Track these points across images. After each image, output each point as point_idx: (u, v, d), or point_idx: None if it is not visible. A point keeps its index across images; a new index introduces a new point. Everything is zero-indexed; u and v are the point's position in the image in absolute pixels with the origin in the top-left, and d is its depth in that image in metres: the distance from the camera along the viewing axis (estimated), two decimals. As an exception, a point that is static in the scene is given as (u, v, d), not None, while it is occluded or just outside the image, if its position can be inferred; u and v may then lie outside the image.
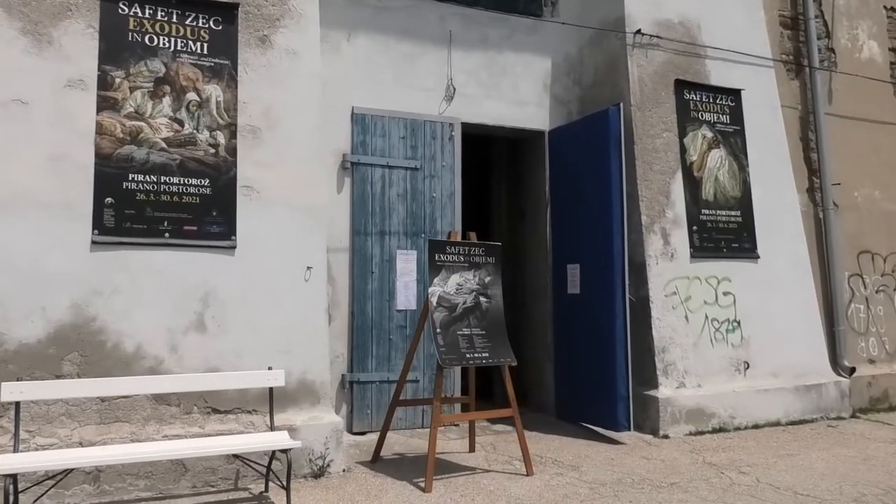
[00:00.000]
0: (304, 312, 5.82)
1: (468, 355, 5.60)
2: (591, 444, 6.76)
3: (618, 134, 7.02)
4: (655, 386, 7.22)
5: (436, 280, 5.66)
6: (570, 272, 7.56)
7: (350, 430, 6.84)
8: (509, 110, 7.92)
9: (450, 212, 7.45)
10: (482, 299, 5.86)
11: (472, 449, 6.39)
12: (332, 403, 5.85)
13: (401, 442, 6.67)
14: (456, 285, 5.74)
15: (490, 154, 9.28)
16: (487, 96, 7.81)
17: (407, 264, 7.01)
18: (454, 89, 7.59)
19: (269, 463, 5.08)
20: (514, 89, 7.97)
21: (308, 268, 5.86)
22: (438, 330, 5.55)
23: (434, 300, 5.60)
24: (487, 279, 5.93)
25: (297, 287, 5.83)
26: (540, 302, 8.18)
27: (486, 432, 7.15)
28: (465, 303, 5.75)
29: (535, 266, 8.36)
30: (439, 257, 5.70)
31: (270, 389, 5.17)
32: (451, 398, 6.86)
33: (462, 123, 7.61)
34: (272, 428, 5.12)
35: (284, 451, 4.74)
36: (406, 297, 7.05)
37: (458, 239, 5.92)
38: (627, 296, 6.95)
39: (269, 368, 5.23)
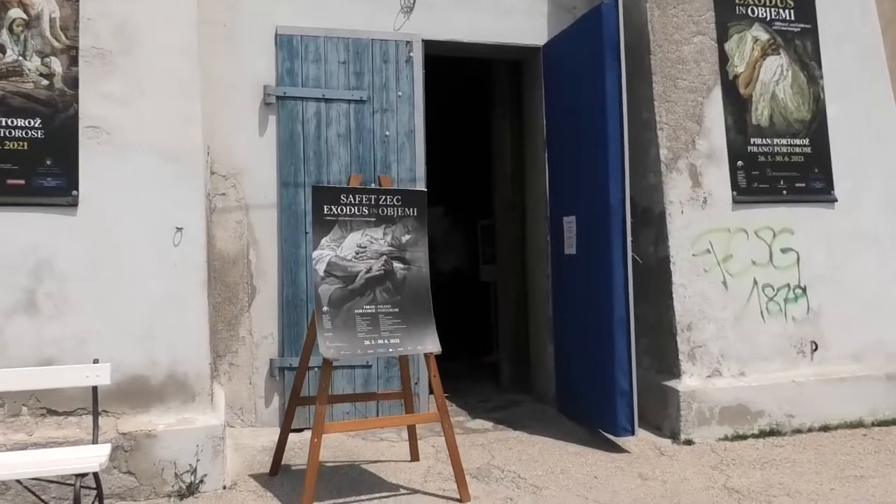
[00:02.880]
0: (173, 286, 4.54)
1: (368, 342, 4.11)
2: (582, 451, 5.12)
3: (614, 37, 5.15)
4: (678, 375, 5.44)
5: (324, 241, 4.18)
6: (566, 227, 5.83)
7: (283, 427, 5.57)
8: (490, 22, 6.16)
9: (408, 154, 5.89)
10: (397, 265, 4.33)
11: (414, 457, 4.94)
12: (211, 400, 4.57)
13: (335, 444, 5.30)
14: (356, 247, 4.24)
15: (492, 82, 7.56)
16: (460, 5, 6.10)
17: (351, 222, 5.55)
18: (414, -2, 5.96)
19: (98, 484, 3.88)
20: (496, -6, 6.22)
21: (178, 229, 4.57)
22: (325, 308, 4.09)
23: (320, 268, 4.14)
24: (405, 238, 4.38)
25: (164, 254, 4.55)
26: (540, 265, 6.50)
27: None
28: (368, 270, 4.24)
29: (536, 221, 6.66)
30: (330, 209, 4.20)
31: (94, 389, 3.94)
32: (378, 394, 5.38)
33: (425, 41, 5.97)
34: (95, 440, 3.90)
35: (80, 475, 3.50)
36: (350, 262, 5.60)
37: (360, 184, 4.39)
38: (630, 255, 5.17)
39: (95, 361, 3.99)
